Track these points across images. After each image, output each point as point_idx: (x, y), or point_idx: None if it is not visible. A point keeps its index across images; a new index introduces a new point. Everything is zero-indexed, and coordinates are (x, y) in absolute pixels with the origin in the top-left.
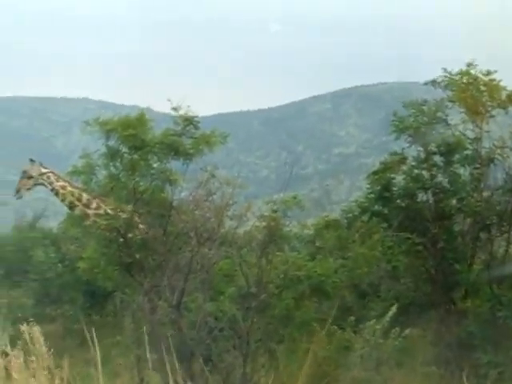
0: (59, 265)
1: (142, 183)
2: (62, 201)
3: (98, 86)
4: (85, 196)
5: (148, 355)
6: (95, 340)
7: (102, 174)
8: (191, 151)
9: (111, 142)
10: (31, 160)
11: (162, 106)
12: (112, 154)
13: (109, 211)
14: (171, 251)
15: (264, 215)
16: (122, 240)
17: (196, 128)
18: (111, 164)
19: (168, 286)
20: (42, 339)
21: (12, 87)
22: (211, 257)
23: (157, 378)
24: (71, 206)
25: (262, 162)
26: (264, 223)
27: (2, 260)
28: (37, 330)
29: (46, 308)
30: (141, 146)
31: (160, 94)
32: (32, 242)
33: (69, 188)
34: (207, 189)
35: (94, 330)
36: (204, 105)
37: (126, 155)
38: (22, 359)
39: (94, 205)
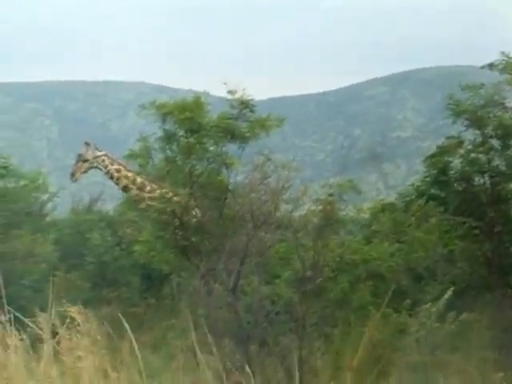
0: (116, 248)
1: (198, 166)
2: (117, 184)
3: (154, 70)
4: (139, 179)
5: (204, 338)
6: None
7: (158, 158)
8: (247, 135)
9: (167, 126)
10: (86, 143)
11: (219, 91)
12: (168, 138)
13: (163, 194)
14: (227, 234)
15: (320, 199)
16: (178, 223)
17: (252, 111)
18: (167, 147)
19: (224, 269)
20: (93, 322)
21: (67, 72)
22: (267, 240)
23: (213, 362)
24: (126, 190)
25: (318, 146)
26: (320, 207)
27: (59, 243)
28: (85, 312)
29: (102, 291)
30: (197, 129)
31: (215, 79)
32: (89, 225)
33: (123, 171)
34: (263, 172)
35: (150, 313)
36: (258, 89)
37: (182, 138)
38: (71, 341)
39: (148, 188)
